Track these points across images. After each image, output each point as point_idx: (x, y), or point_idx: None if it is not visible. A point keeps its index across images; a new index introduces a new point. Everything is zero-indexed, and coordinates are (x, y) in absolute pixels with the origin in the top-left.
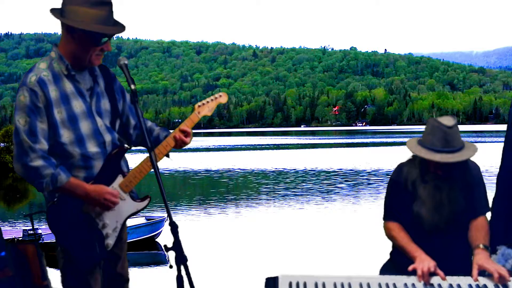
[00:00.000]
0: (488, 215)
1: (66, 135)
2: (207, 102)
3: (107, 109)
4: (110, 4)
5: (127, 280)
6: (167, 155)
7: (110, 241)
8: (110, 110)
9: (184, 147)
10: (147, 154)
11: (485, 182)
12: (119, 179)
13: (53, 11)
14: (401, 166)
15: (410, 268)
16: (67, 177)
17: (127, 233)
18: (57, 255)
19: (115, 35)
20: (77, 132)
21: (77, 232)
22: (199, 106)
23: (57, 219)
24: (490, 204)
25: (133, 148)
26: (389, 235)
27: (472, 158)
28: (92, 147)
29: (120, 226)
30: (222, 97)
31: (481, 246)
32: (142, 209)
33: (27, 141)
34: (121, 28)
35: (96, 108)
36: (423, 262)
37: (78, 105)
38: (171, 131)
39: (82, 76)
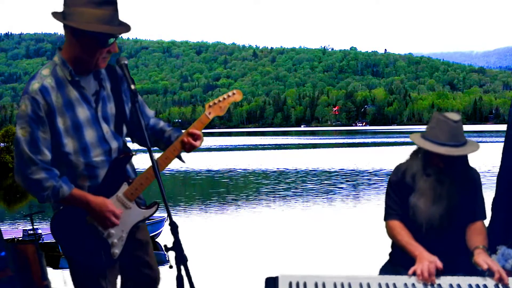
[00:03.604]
0: (488, 215)
1: (69, 144)
2: (219, 101)
3: (113, 114)
4: (115, 3)
5: (157, 279)
6: (180, 158)
7: (117, 250)
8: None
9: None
10: (156, 155)
11: (485, 181)
12: (124, 187)
13: (55, 14)
14: (399, 167)
15: (410, 271)
16: (69, 188)
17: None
18: (68, 262)
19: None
20: (82, 140)
21: (82, 242)
22: (210, 106)
23: (62, 228)
24: (490, 204)
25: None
26: (391, 234)
27: (472, 158)
28: (97, 156)
29: (126, 235)
30: (236, 95)
31: (481, 246)
32: (149, 216)
33: (27, 153)
34: (127, 28)
35: (102, 113)
36: (423, 262)
37: (82, 112)
38: (183, 131)
39: (86, 81)
